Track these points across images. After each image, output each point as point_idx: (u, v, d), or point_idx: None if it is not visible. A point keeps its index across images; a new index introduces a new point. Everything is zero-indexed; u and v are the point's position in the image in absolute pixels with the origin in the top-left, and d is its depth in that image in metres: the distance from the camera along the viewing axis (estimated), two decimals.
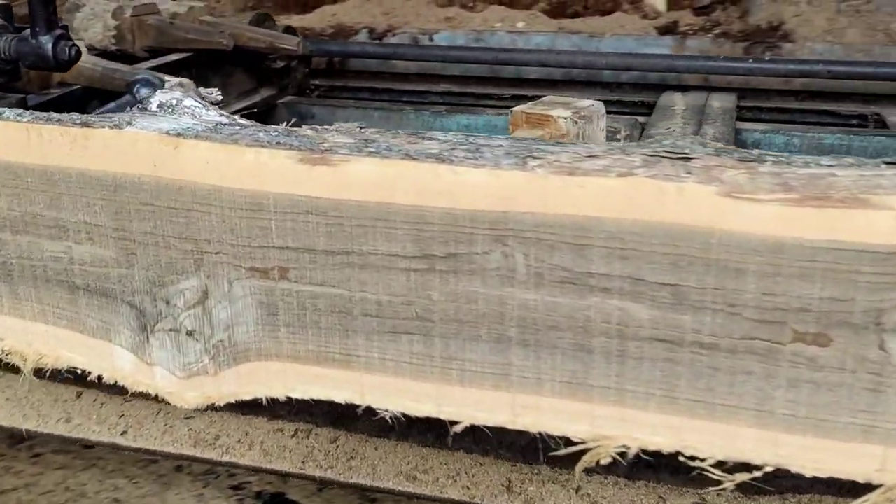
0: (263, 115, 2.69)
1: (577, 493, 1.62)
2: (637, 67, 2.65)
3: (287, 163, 0.99)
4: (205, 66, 2.52)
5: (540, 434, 1.03)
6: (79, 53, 1.75)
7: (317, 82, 3.15)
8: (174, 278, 1.09)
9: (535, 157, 0.94)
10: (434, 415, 1.06)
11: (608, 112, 1.83)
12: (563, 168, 0.92)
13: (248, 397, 1.13)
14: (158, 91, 1.15)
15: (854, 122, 2.53)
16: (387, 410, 1.08)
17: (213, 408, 1.26)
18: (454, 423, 1.06)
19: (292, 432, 1.84)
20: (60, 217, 1.11)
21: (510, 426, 1.04)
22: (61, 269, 1.14)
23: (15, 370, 1.36)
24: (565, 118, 1.91)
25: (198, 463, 2.09)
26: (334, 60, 3.16)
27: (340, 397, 1.09)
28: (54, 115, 1.08)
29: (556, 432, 1.02)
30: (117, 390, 1.26)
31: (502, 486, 1.65)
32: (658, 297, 0.91)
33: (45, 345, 1.19)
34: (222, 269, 1.07)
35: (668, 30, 3.05)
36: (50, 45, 1.70)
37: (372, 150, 0.97)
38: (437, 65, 2.99)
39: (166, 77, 1.19)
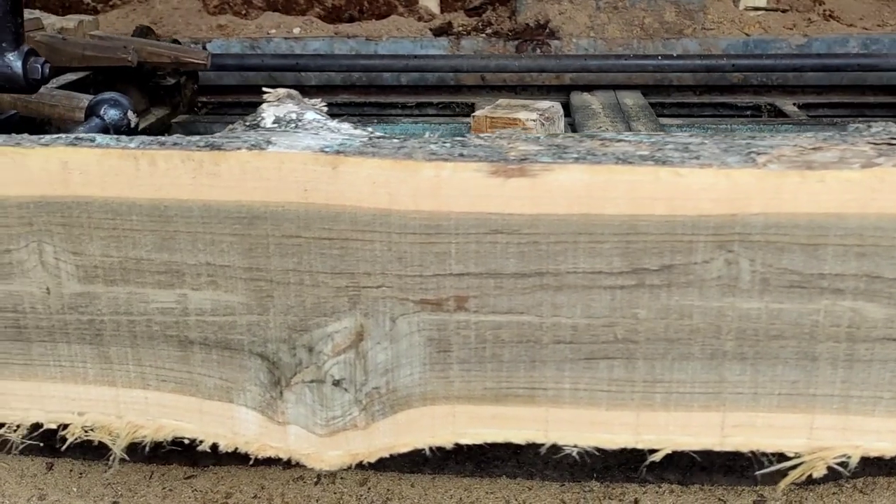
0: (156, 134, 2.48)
1: None
2: (550, 69, 2.72)
3: (475, 177, 0.87)
4: (100, 85, 2.29)
5: (752, 453, 0.96)
6: (52, 72, 1.52)
7: (204, 99, 2.95)
8: (321, 321, 0.94)
9: (758, 153, 0.87)
10: (631, 445, 0.97)
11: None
12: (795, 163, 0.85)
13: (405, 449, 0.99)
14: (267, 105, 0.99)
15: (748, 112, 2.68)
16: (575, 446, 0.97)
17: (259, 461, 1.11)
18: (653, 451, 0.97)
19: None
20: (174, 260, 0.93)
21: (717, 448, 0.96)
22: (171, 323, 0.96)
23: None
24: (534, 120, 1.87)
25: None
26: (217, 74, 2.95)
27: (520, 437, 0.98)
28: (170, 137, 0.91)
29: (770, 449, 0.95)
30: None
31: None
32: None
33: (143, 415, 1.00)
34: (384, 305, 0.93)
35: (442, 31, 3.12)
36: (19, 64, 1.47)
37: (576, 155, 0.87)
38: (336, 75, 2.89)
39: (268, 89, 1.04)
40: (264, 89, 1.03)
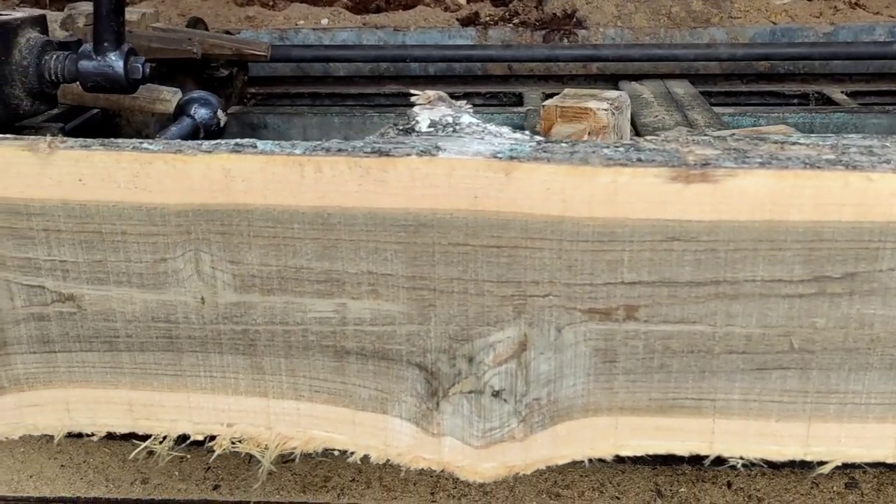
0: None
1: (729, 488, 1.54)
2: (601, 58, 2.71)
3: (654, 182, 0.85)
4: (163, 77, 2.28)
5: None
6: (152, 71, 1.51)
7: (253, 90, 2.95)
8: (484, 330, 0.92)
9: None
10: (799, 457, 0.94)
11: None
12: None
13: (563, 461, 0.97)
14: (418, 108, 0.97)
15: (795, 101, 2.67)
16: (741, 458, 0.94)
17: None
18: (821, 463, 0.94)
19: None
20: (334, 269, 0.91)
21: (890, 460, 0.93)
22: (328, 333, 0.94)
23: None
24: (605, 110, 1.85)
25: None
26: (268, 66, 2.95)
27: (684, 449, 0.95)
28: (334, 143, 0.89)
29: None
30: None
31: (652, 491, 1.55)
32: None
33: (294, 426, 0.98)
34: (550, 315, 0.91)
35: (469, 21, 3.11)
36: (121, 63, 1.45)
37: (759, 160, 0.85)
38: (382, 66, 2.89)
39: (415, 91, 1.01)
40: (412, 91, 1.00)
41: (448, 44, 2.96)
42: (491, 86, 2.99)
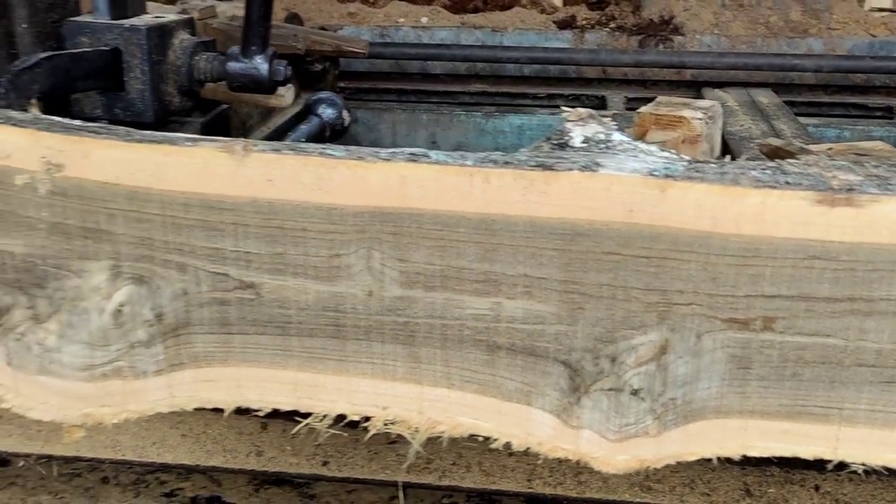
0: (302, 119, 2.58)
1: (817, 491, 1.59)
2: (687, 65, 2.78)
3: (800, 205, 0.92)
4: None
5: None
6: (291, 73, 1.61)
7: (342, 84, 3.06)
8: (628, 333, 1.00)
9: None
10: None
11: None
12: None
13: (692, 458, 1.05)
14: (570, 124, 1.05)
15: (879, 114, 2.67)
16: (863, 464, 1.01)
17: None
18: None
19: (508, 452, 1.75)
20: (493, 271, 1.00)
21: None
22: (482, 328, 1.02)
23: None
24: (699, 119, 1.90)
25: (127, 474, 1.98)
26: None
27: (808, 452, 1.02)
28: (500, 156, 0.97)
29: None
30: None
31: (741, 490, 1.61)
32: None
33: (443, 412, 1.07)
34: (692, 322, 0.98)
35: (566, 24, 3.16)
36: (266, 66, 1.56)
37: None
38: (468, 64, 3.00)
39: (567, 108, 1.09)
40: (563, 108, 1.08)
41: (530, 45, 3.03)
42: (574, 88, 3.06)
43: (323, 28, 2.97)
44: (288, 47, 2.44)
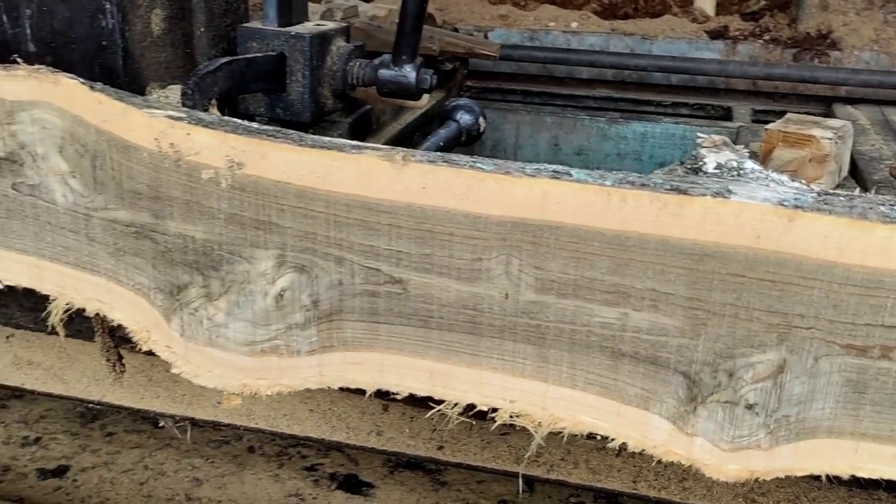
0: (431, 117, 2.66)
1: None
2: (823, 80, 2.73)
3: None
4: None
5: None
6: (436, 81, 1.72)
7: (469, 83, 3.13)
8: (747, 351, 1.06)
9: None
10: None
11: None
12: None
13: (801, 473, 1.10)
14: (704, 150, 1.11)
15: None
16: None
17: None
18: None
19: (615, 452, 1.81)
20: (623, 283, 1.08)
21: None
22: (608, 336, 1.11)
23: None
24: (829, 139, 1.89)
25: (271, 445, 2.06)
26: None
27: None
28: (636, 177, 1.05)
29: None
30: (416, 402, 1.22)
31: None
32: None
33: (565, 410, 1.16)
34: (810, 345, 1.04)
35: (718, 34, 3.11)
36: (414, 75, 1.68)
37: None
38: (593, 69, 3.02)
39: (702, 136, 1.16)
40: (699, 136, 1.15)
41: (661, 54, 3.04)
42: (699, 97, 3.06)
43: (455, 29, 3.07)
44: (423, 48, 2.56)
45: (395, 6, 2.88)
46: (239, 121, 1.18)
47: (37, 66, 1.22)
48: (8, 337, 2.03)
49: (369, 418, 1.95)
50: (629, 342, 1.11)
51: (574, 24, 3.27)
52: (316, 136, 1.17)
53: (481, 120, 1.89)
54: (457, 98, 1.93)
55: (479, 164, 1.09)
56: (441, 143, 1.80)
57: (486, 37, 3.15)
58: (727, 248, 1.03)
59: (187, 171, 1.17)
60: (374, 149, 1.13)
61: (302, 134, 1.17)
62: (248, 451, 2.12)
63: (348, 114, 1.86)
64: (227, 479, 2.09)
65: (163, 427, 2.06)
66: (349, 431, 1.92)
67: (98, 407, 2.04)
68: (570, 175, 1.07)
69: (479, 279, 1.13)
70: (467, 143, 1.93)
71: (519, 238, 1.09)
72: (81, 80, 1.22)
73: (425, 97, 2.12)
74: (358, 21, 2.51)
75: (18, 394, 2.05)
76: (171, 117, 1.17)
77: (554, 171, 1.08)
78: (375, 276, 1.16)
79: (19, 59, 1.24)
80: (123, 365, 1.60)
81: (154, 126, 1.17)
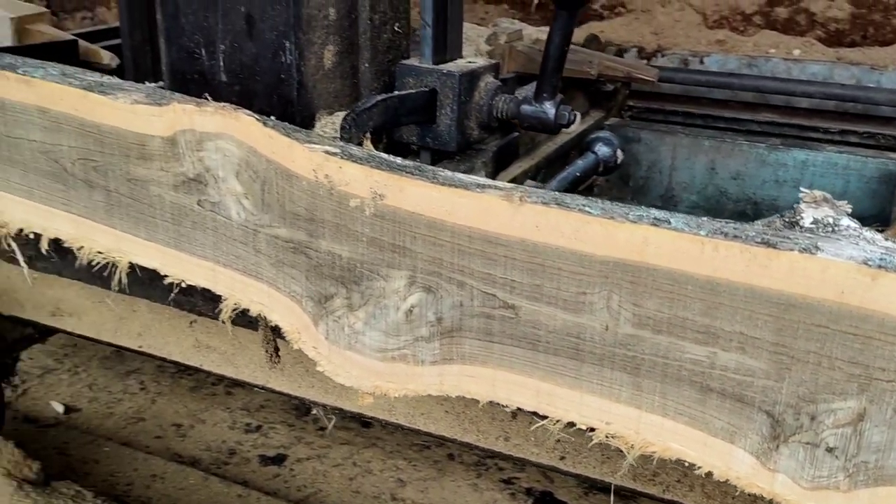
0: (586, 138, 2.71)
1: None
2: None
3: None
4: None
5: None
6: (575, 118, 1.84)
7: (630, 103, 3.15)
8: (828, 397, 1.13)
9: None
10: None
11: None
12: None
13: None
14: (804, 205, 1.18)
15: None
16: None
17: None
18: None
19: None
20: (713, 325, 1.17)
21: None
22: (698, 371, 1.20)
23: None
24: None
25: (470, 454, 2.14)
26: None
27: None
28: (729, 229, 1.14)
29: None
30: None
31: None
32: None
33: (656, 436, 1.26)
34: (891, 397, 1.10)
35: None
36: (553, 112, 1.81)
37: None
38: (758, 94, 2.97)
39: (805, 190, 1.22)
40: (802, 190, 1.22)
41: (815, 80, 2.96)
42: (870, 126, 2.97)
43: (694, 56, 3.04)
44: (581, 72, 2.67)
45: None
46: (384, 156, 1.36)
47: (222, 104, 1.45)
48: (191, 322, 2.31)
49: (499, 424, 2.09)
50: (717, 379, 1.20)
51: (796, 52, 3.19)
52: (447, 174, 1.33)
53: (619, 152, 1.99)
54: (598, 130, 2.03)
55: (587, 208, 1.21)
56: (577, 174, 1.92)
57: (701, 62, 3.14)
58: (812, 300, 1.10)
59: (338, 198, 1.36)
60: (495, 188, 1.28)
61: (436, 170, 1.34)
62: (448, 458, 2.27)
63: (499, 138, 2.02)
64: (428, 484, 2.24)
65: (371, 425, 2.22)
66: (479, 434, 2.07)
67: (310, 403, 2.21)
68: (669, 223, 1.17)
69: (582, 311, 1.25)
70: (605, 174, 2.04)
71: (619, 277, 1.21)
72: (257, 116, 1.44)
73: (576, 124, 2.24)
74: (521, 44, 2.65)
75: (240, 383, 2.29)
76: (327, 152, 1.36)
77: (655, 219, 1.18)
78: (491, 300, 1.31)
79: (208, 96, 1.48)
80: (279, 356, 1.82)
81: (313, 159, 1.36)
